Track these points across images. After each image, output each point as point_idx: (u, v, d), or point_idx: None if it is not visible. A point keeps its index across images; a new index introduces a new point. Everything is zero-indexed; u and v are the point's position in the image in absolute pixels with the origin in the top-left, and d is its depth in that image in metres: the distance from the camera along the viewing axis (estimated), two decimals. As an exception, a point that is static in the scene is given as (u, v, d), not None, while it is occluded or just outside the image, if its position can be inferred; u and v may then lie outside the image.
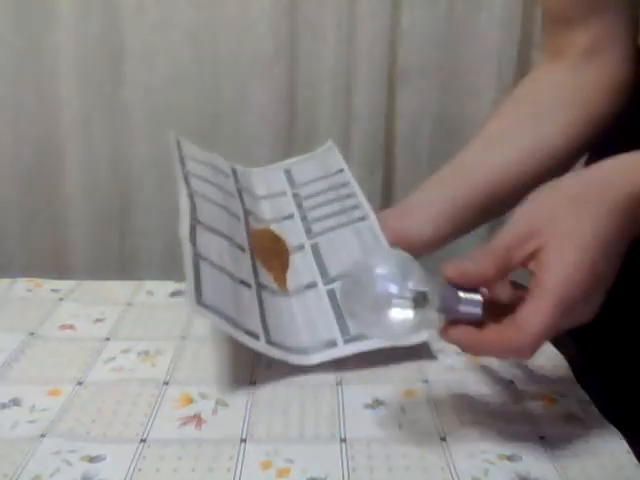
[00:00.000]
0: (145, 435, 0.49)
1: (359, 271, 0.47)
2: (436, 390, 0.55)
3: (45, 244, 1.39)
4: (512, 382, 0.56)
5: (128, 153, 1.35)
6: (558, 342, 0.62)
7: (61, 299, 0.70)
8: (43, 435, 0.49)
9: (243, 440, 0.49)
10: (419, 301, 0.45)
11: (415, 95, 1.34)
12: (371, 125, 1.34)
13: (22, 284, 0.73)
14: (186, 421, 0.51)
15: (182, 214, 0.61)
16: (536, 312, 0.43)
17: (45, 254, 1.39)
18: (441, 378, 0.57)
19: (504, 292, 0.46)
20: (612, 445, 0.48)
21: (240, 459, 0.47)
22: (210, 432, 0.50)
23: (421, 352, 0.61)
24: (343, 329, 0.59)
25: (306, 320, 0.60)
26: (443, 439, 0.49)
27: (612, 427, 0.50)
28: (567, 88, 0.65)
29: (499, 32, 1.29)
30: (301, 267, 0.65)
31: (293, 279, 0.64)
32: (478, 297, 0.45)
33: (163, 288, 0.74)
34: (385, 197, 1.40)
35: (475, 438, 0.49)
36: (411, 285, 0.45)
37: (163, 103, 1.31)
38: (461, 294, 0.45)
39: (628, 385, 0.58)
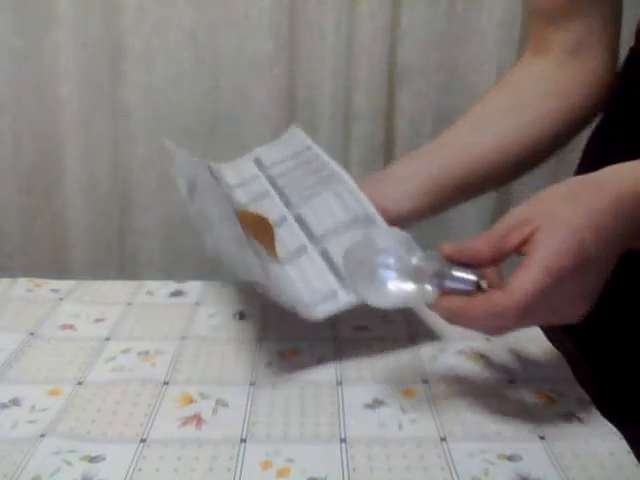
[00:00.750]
0: (145, 435, 0.49)
1: (363, 246, 0.51)
2: (436, 390, 0.55)
3: (45, 244, 1.39)
4: (512, 382, 0.56)
5: (128, 153, 1.34)
6: (557, 340, 0.62)
7: (61, 299, 0.70)
8: (43, 435, 0.49)
9: (243, 440, 0.49)
10: (417, 276, 0.48)
11: (415, 95, 1.34)
12: (371, 125, 1.33)
13: (22, 284, 0.73)
14: (186, 421, 0.51)
15: (179, 183, 0.63)
16: (524, 278, 0.44)
17: (45, 254, 1.39)
18: (441, 378, 0.57)
19: (495, 283, 0.48)
20: (612, 445, 0.48)
21: (240, 459, 0.47)
22: (210, 432, 0.50)
23: (421, 351, 0.61)
24: (341, 282, 0.58)
25: (303, 282, 0.60)
26: (443, 439, 0.49)
27: (612, 427, 0.50)
28: (550, 80, 0.66)
29: (499, 32, 1.29)
30: (288, 237, 0.65)
31: (283, 250, 0.64)
32: (472, 276, 0.47)
33: (163, 288, 0.74)
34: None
35: (475, 438, 0.49)
36: (410, 261, 0.48)
37: (163, 103, 1.31)
38: (455, 272, 0.47)
39: (627, 383, 0.59)
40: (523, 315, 0.44)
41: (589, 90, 0.66)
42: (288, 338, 0.63)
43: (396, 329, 0.65)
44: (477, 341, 0.63)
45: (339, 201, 0.64)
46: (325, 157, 0.71)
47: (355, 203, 0.63)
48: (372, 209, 0.62)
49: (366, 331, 0.65)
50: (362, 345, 0.62)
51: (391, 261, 0.49)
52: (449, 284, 0.47)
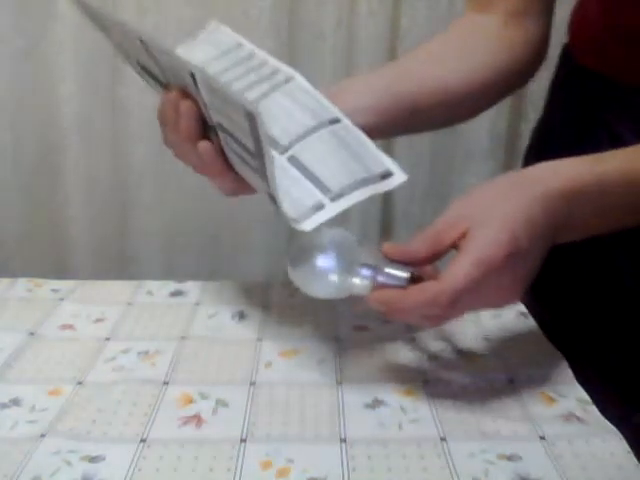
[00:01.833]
0: (145, 435, 0.49)
1: (307, 239, 0.54)
2: (436, 390, 0.55)
3: (45, 244, 1.39)
4: (512, 382, 0.56)
5: (128, 153, 1.35)
6: (557, 341, 0.62)
7: (61, 299, 0.70)
8: (43, 435, 0.49)
9: (243, 440, 0.49)
10: (354, 270, 0.51)
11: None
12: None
13: (22, 284, 0.73)
14: (186, 421, 0.51)
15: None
16: (456, 268, 0.47)
17: (45, 254, 1.39)
18: (441, 378, 0.57)
19: (433, 278, 0.49)
20: (612, 445, 0.48)
21: (240, 459, 0.47)
22: (210, 432, 0.50)
23: (421, 351, 0.61)
24: (323, 189, 0.54)
25: (282, 193, 0.54)
26: (443, 439, 0.49)
27: (612, 427, 0.50)
28: (491, 39, 0.67)
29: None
30: None
31: None
32: (404, 273, 0.50)
33: (163, 288, 0.74)
34: (385, 197, 1.40)
35: (475, 438, 0.49)
36: (348, 256, 0.52)
37: (163, 103, 1.31)
38: (387, 269, 0.50)
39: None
40: (454, 302, 0.46)
41: (523, 55, 0.67)
42: (288, 338, 0.63)
43: (396, 329, 0.65)
44: (477, 341, 0.63)
45: (294, 102, 0.59)
46: (262, 53, 0.63)
47: (314, 103, 0.59)
48: (336, 110, 0.58)
49: (366, 331, 0.65)
50: (362, 345, 0.62)
51: (331, 254, 0.52)
52: (381, 279, 0.50)
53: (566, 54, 0.73)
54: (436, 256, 0.50)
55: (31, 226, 1.37)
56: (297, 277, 0.54)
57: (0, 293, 0.71)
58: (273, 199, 0.53)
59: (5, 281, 0.74)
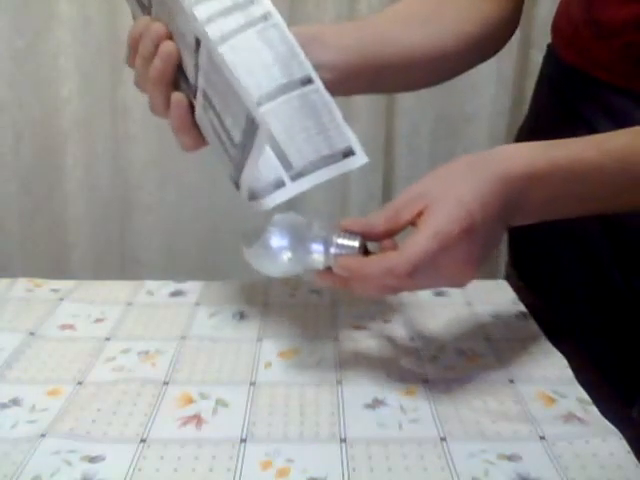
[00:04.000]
0: (145, 435, 0.49)
1: (259, 229, 0.54)
2: (436, 390, 0.55)
3: (45, 244, 1.39)
4: (512, 382, 0.56)
5: (128, 153, 1.35)
6: (559, 343, 0.62)
7: (61, 299, 0.70)
8: (43, 435, 0.49)
9: (243, 440, 0.49)
10: (307, 245, 0.52)
11: (415, 94, 1.33)
12: (371, 125, 1.33)
13: (22, 284, 0.73)
14: (186, 421, 0.51)
15: None
16: (414, 240, 0.48)
17: (45, 254, 1.39)
18: (441, 378, 0.57)
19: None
20: (612, 445, 0.48)
21: (240, 459, 0.47)
22: (210, 432, 0.50)
23: (420, 351, 0.61)
24: (285, 165, 0.54)
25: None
26: (443, 439, 0.49)
27: (612, 427, 0.50)
28: (467, 8, 0.67)
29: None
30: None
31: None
32: (354, 243, 0.51)
33: (163, 288, 0.74)
34: (385, 197, 1.40)
35: (475, 438, 0.49)
36: (301, 232, 0.53)
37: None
38: (338, 240, 0.51)
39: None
40: (412, 273, 0.48)
41: (494, 29, 0.67)
42: (288, 338, 0.63)
43: (396, 329, 0.65)
44: (477, 341, 0.63)
45: (268, 48, 0.55)
46: None
47: (288, 53, 0.56)
48: (309, 66, 0.55)
49: (366, 331, 0.65)
50: (362, 345, 0.62)
51: (282, 233, 0.53)
52: (333, 250, 0.51)
53: (550, 53, 0.74)
54: (393, 231, 0.51)
55: (31, 226, 1.37)
56: (252, 257, 0.54)
57: (0, 293, 0.71)
58: (235, 181, 0.53)
59: (5, 281, 0.74)
